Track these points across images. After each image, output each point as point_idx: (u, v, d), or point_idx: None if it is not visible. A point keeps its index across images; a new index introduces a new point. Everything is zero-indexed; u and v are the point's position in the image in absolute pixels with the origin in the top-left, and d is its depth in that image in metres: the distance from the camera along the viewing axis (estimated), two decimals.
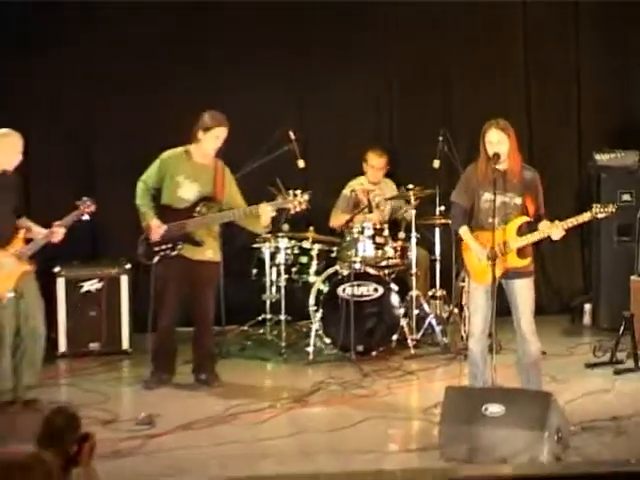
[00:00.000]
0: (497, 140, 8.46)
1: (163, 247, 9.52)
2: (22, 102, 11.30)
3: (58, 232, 9.12)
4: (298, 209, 9.52)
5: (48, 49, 11.26)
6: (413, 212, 10.70)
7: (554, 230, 8.50)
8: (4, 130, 9.12)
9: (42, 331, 9.26)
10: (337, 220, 11.08)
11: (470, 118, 10.91)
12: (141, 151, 10.27)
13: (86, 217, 9.22)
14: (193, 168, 9.57)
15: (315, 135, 11.52)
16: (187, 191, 9.56)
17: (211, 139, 9.46)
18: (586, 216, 8.59)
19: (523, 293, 8.65)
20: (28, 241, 9.15)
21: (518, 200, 8.56)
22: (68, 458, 6.07)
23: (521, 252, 8.58)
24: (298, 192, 9.46)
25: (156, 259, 9.55)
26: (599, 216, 8.68)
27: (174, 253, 9.52)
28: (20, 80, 11.33)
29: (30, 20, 11.30)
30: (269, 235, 10.75)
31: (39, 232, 9.16)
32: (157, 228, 9.49)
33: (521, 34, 12.00)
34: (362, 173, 11.26)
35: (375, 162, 11.15)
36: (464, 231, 8.61)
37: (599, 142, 11.68)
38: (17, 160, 9.10)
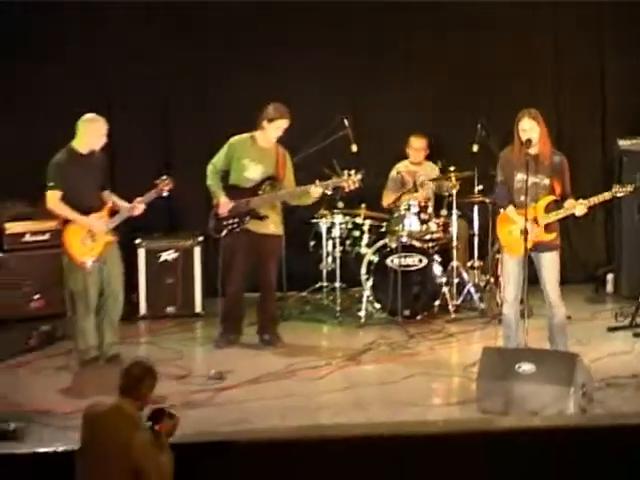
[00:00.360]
0: (529, 127, 8.52)
1: (231, 222, 9.57)
2: (110, 87, 11.35)
3: (138, 207, 9.21)
4: (352, 187, 9.61)
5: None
6: (454, 191, 10.69)
7: (578, 208, 8.56)
8: (91, 115, 9.21)
9: (121, 294, 9.36)
10: (387, 199, 11.07)
11: (505, 107, 10.83)
12: (213, 135, 10.31)
13: (165, 194, 9.30)
14: (258, 152, 9.61)
15: (366, 123, 11.46)
16: (253, 172, 9.61)
17: (274, 129, 9.52)
18: (607, 195, 8.67)
19: (550, 265, 8.70)
20: (113, 214, 9.24)
21: (547, 181, 8.60)
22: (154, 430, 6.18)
23: (548, 227, 8.64)
24: (352, 172, 9.52)
25: (224, 232, 9.60)
26: (618, 195, 8.75)
27: (241, 227, 9.56)
28: (111, 64, 11.39)
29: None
30: (326, 211, 10.76)
31: (122, 206, 9.25)
32: (226, 205, 9.54)
33: (551, 30, 11.87)
34: (406, 157, 11.23)
35: (416, 144, 11.13)
36: (510, 209, 8.64)
37: (622, 129, 11.59)
38: (102, 142, 9.20)
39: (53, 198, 9.08)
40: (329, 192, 9.97)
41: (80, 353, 9.24)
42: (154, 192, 9.25)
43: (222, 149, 9.68)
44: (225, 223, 9.61)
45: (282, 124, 9.53)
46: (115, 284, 9.28)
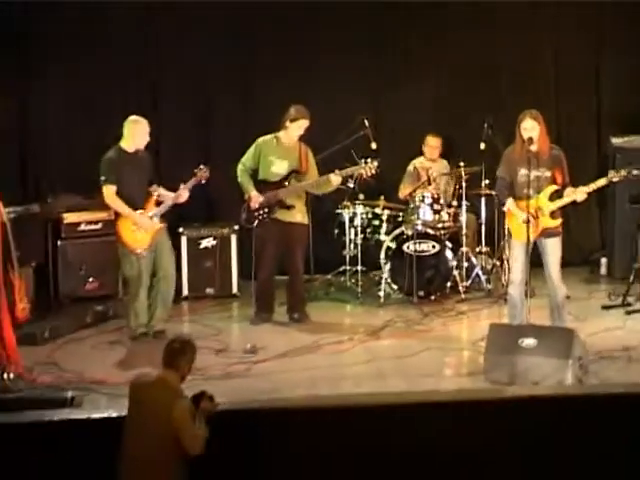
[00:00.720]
0: (531, 126, 8.53)
1: (261, 212, 9.61)
2: (158, 88, 11.38)
3: (183, 195, 9.26)
4: (369, 173, 9.67)
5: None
6: (464, 184, 10.67)
7: (579, 194, 8.60)
8: (135, 117, 9.29)
9: (174, 275, 9.40)
10: (403, 191, 11.04)
11: (510, 107, 10.81)
12: (246, 135, 10.30)
13: (203, 181, 9.35)
14: (282, 149, 9.68)
15: (384, 122, 11.45)
16: (279, 167, 9.66)
17: (295, 128, 9.57)
18: (604, 180, 8.73)
19: (553, 249, 8.72)
20: (159, 204, 9.28)
21: (548, 173, 8.64)
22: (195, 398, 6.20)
23: (553, 214, 8.69)
24: (369, 160, 9.60)
25: (256, 223, 9.63)
26: (614, 179, 8.81)
27: (270, 217, 9.59)
28: (159, 66, 11.41)
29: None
30: (348, 203, 10.75)
31: (168, 195, 9.29)
32: (256, 198, 9.59)
33: (551, 34, 11.77)
34: (422, 154, 11.20)
35: (432, 142, 11.11)
36: (510, 202, 8.62)
37: (615, 127, 11.53)
38: (146, 141, 9.29)
39: (109, 192, 9.15)
40: (350, 183, 10.03)
41: (131, 330, 9.32)
42: (194, 180, 9.34)
43: (250, 149, 9.74)
44: (256, 214, 9.65)
45: (303, 124, 9.58)
46: (167, 267, 9.35)
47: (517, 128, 8.62)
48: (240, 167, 9.69)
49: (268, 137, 9.72)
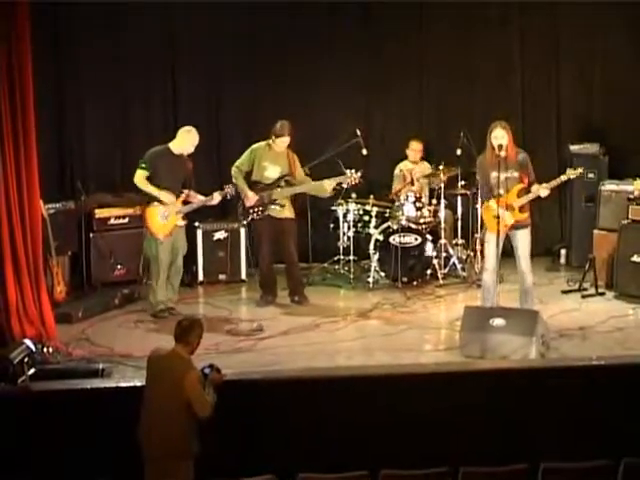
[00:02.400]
0: (501, 135, 8.56)
1: (255, 209, 9.65)
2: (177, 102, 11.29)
3: (215, 199, 9.42)
4: (353, 183, 9.81)
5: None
6: (442, 185, 10.65)
7: (542, 190, 8.69)
8: (189, 127, 9.44)
9: (181, 267, 9.51)
10: (393, 191, 11.01)
11: (482, 118, 10.80)
12: (249, 141, 10.22)
13: (229, 197, 9.60)
14: (274, 155, 9.68)
15: (375, 130, 11.42)
16: (271, 172, 9.69)
17: (279, 143, 9.61)
18: (563, 177, 8.87)
19: (523, 239, 8.76)
20: (186, 204, 9.31)
21: (516, 174, 8.70)
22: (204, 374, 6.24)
23: (521, 208, 8.70)
24: (353, 171, 9.71)
25: (250, 218, 9.70)
26: (572, 177, 8.93)
27: (264, 214, 9.62)
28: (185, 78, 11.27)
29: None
30: (342, 201, 10.74)
31: (198, 198, 9.31)
32: (252, 198, 9.61)
33: (518, 41, 11.67)
34: (405, 157, 11.16)
35: (415, 147, 11.04)
36: (493, 203, 8.59)
37: (572, 136, 11.51)
38: (192, 150, 9.34)
39: (139, 175, 9.21)
40: (344, 185, 10.04)
41: (151, 306, 9.32)
42: (221, 193, 9.46)
43: (245, 154, 9.72)
44: (251, 211, 9.68)
45: (286, 140, 9.59)
46: (179, 259, 9.40)
47: (488, 137, 8.62)
48: (235, 170, 9.68)
49: (262, 144, 9.71)
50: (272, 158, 9.67)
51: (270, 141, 9.64)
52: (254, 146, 9.73)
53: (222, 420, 6.25)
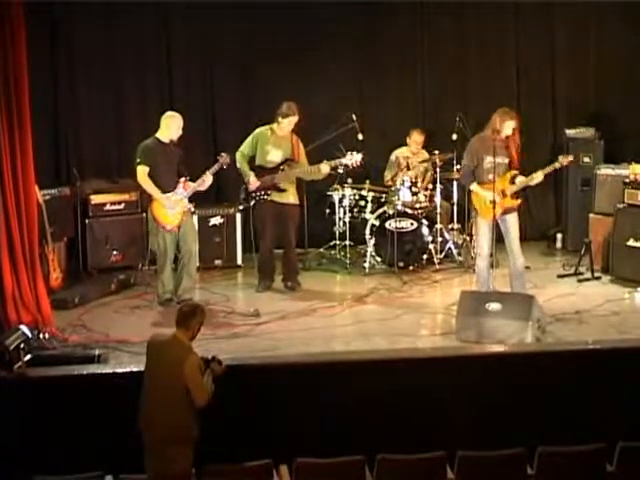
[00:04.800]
0: (513, 126, 8.59)
1: (258, 194, 9.60)
2: (173, 88, 11.20)
3: (207, 179, 9.23)
4: (354, 165, 9.69)
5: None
6: (438, 170, 10.65)
7: (536, 177, 8.70)
8: (171, 112, 9.31)
9: (196, 252, 9.44)
10: (387, 177, 10.99)
11: (478, 104, 10.79)
12: (245, 127, 10.19)
13: (225, 167, 9.35)
14: (277, 140, 9.62)
15: (370, 115, 11.38)
16: (274, 156, 9.62)
17: (287, 123, 9.54)
18: (556, 164, 8.88)
19: (514, 223, 8.78)
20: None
21: (506, 160, 8.71)
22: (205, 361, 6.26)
23: (514, 195, 8.70)
24: (354, 153, 9.62)
25: (252, 202, 9.62)
26: (564, 163, 8.92)
27: (266, 198, 9.58)
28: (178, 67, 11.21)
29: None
30: (338, 186, 10.72)
31: (192, 185, 9.24)
32: (255, 182, 9.56)
33: (513, 30, 11.67)
34: (405, 144, 11.12)
35: (417, 138, 10.98)
36: (475, 186, 8.64)
37: (568, 120, 11.50)
38: (179, 134, 9.21)
39: (142, 173, 9.09)
40: (340, 170, 10.03)
41: (158, 296, 9.28)
42: (217, 165, 9.28)
43: (248, 139, 9.68)
44: (254, 195, 9.63)
45: (293, 120, 9.53)
46: (190, 244, 9.31)
47: (493, 122, 8.57)
48: (239, 155, 9.64)
49: (264, 128, 9.66)
50: (275, 142, 9.63)
51: (274, 125, 9.60)
52: (257, 130, 9.69)
53: (220, 405, 6.24)
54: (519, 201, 8.75)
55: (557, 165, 8.81)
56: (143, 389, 6.23)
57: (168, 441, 6.06)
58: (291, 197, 9.67)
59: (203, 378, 6.15)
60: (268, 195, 9.60)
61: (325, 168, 9.61)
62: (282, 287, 9.78)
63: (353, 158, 9.60)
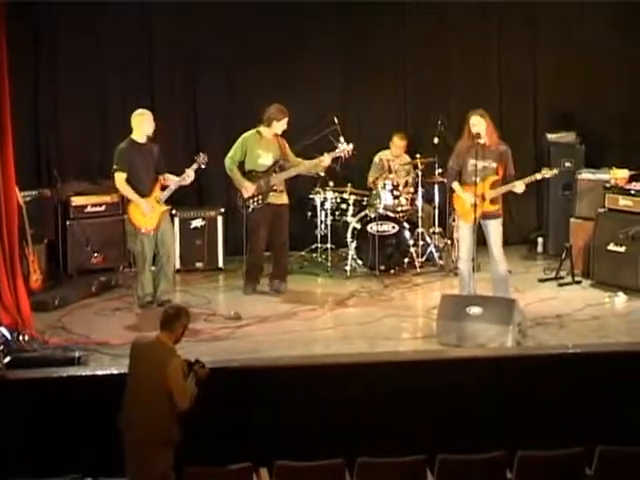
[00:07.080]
0: (477, 122, 8.66)
1: (255, 199, 9.58)
2: (155, 87, 11.14)
3: (188, 176, 9.21)
4: (347, 155, 9.76)
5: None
6: (420, 173, 10.67)
7: (518, 186, 8.69)
8: (141, 110, 9.27)
9: (173, 253, 9.43)
10: (371, 178, 11.01)
11: (460, 107, 10.81)
12: (231, 130, 10.21)
13: (203, 166, 9.32)
14: (266, 143, 9.63)
15: (352, 118, 11.38)
16: (265, 159, 9.63)
17: (280, 126, 9.57)
18: (538, 175, 8.92)
19: (495, 229, 8.78)
20: (164, 189, 9.25)
21: (494, 165, 8.75)
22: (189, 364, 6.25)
23: (492, 200, 8.73)
24: (345, 143, 9.75)
25: (250, 209, 9.60)
26: (546, 176, 8.98)
27: (264, 202, 9.57)
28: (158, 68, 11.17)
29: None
30: (320, 189, 10.73)
31: (173, 179, 9.24)
32: (250, 188, 9.55)
33: (495, 35, 11.71)
34: (387, 147, 11.14)
35: (398, 143, 11.00)
36: (456, 185, 8.70)
37: (550, 124, 11.56)
38: (152, 128, 9.18)
39: (120, 179, 9.09)
40: (336, 165, 10.06)
41: (139, 299, 9.26)
42: (195, 164, 9.27)
43: (236, 144, 9.65)
44: (251, 201, 9.61)
45: (286, 121, 9.58)
46: (168, 246, 9.32)
47: (466, 124, 8.69)
48: (229, 160, 9.62)
49: (252, 133, 9.65)
50: (264, 145, 9.63)
51: (261, 128, 9.61)
52: (245, 135, 9.67)
53: (201, 407, 6.24)
54: (498, 206, 8.77)
55: (538, 176, 8.85)
56: (126, 390, 6.23)
57: (149, 441, 6.05)
58: (285, 197, 9.74)
59: (186, 381, 6.14)
60: (265, 199, 9.60)
61: (327, 159, 9.65)
62: (264, 289, 9.77)
63: (347, 149, 9.67)
